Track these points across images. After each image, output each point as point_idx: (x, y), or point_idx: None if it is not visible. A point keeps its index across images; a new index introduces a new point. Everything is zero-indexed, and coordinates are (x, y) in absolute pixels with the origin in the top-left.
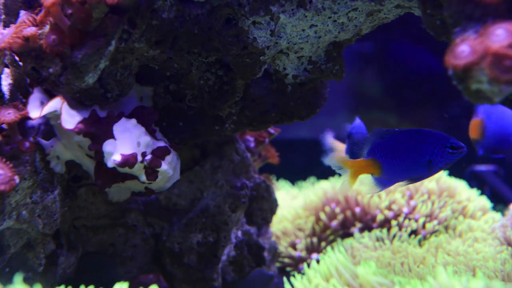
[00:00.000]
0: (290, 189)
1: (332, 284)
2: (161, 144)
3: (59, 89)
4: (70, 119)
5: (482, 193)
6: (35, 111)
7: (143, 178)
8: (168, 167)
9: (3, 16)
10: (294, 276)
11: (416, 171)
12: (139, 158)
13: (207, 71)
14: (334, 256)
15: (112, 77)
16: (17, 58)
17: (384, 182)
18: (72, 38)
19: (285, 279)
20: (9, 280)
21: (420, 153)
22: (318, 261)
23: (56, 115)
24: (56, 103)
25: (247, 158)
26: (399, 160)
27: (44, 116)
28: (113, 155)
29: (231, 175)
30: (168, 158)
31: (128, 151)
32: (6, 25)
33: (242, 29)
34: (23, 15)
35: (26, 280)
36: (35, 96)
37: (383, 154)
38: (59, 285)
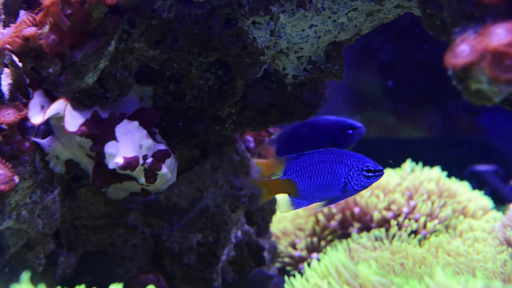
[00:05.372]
0: None
1: (330, 282)
2: (162, 147)
3: (59, 89)
4: (73, 121)
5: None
6: (37, 117)
7: (142, 180)
8: (167, 170)
9: (3, 16)
10: (294, 276)
11: (331, 192)
12: (141, 161)
13: (207, 71)
14: (334, 255)
15: (112, 77)
16: (16, 58)
17: (299, 202)
18: (71, 38)
19: (286, 278)
20: (9, 280)
21: (335, 175)
22: (318, 260)
23: (58, 117)
24: (58, 106)
25: (247, 158)
26: (314, 181)
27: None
28: (116, 157)
29: (231, 175)
30: (168, 161)
31: (130, 154)
32: (6, 25)
33: (242, 29)
34: (23, 15)
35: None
36: (35, 101)
37: (299, 175)
38: (59, 285)
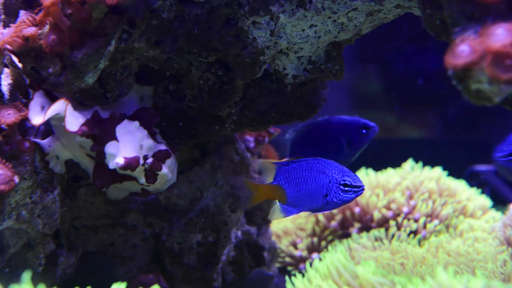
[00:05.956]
0: None
1: (330, 283)
2: (162, 147)
3: (58, 89)
4: (74, 121)
5: (482, 193)
6: (38, 117)
7: (143, 180)
8: (168, 170)
9: (3, 16)
10: (295, 275)
11: (315, 202)
12: (141, 161)
13: (207, 71)
14: (334, 256)
15: (112, 77)
16: (15, 59)
17: (289, 209)
18: (71, 38)
19: (287, 277)
20: (9, 280)
21: (317, 185)
22: (320, 260)
23: (59, 118)
24: (59, 106)
25: (247, 158)
26: (300, 188)
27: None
28: (116, 157)
29: (231, 175)
30: (168, 161)
31: (130, 154)
32: (6, 25)
33: (242, 29)
34: (23, 15)
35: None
36: (36, 102)
37: (287, 181)
38: (59, 285)
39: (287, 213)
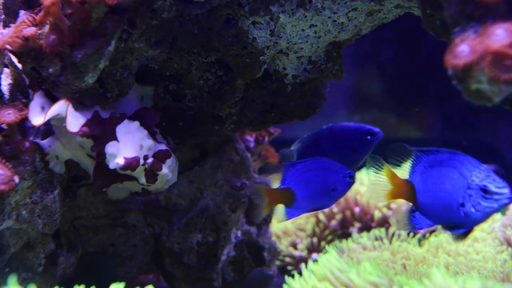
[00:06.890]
0: None
1: (326, 285)
2: (163, 147)
3: (58, 89)
4: (75, 122)
5: None
6: (38, 118)
7: (143, 180)
8: (168, 170)
9: (2, 16)
10: (293, 276)
11: (322, 199)
12: (141, 161)
13: (207, 71)
14: (328, 259)
15: (112, 77)
16: (15, 59)
17: (292, 212)
18: (71, 38)
19: (286, 277)
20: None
21: (326, 182)
22: (315, 261)
23: (59, 118)
24: (60, 107)
25: (247, 158)
26: (309, 188)
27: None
28: (116, 157)
29: (231, 175)
30: (169, 161)
31: (131, 154)
32: (5, 25)
33: (241, 29)
34: (23, 15)
35: (25, 280)
36: (36, 102)
37: (296, 183)
38: (59, 285)
39: (290, 216)
